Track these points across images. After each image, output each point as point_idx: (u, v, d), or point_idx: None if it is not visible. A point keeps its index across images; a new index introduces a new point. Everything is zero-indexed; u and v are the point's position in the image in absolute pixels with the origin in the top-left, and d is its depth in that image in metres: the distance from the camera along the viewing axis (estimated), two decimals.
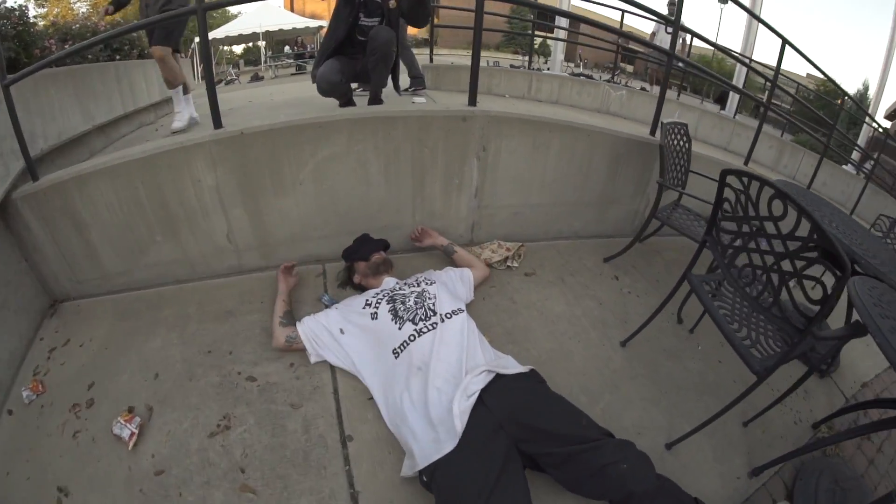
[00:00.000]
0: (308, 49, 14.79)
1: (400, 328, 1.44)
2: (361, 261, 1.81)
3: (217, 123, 1.78)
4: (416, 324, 1.44)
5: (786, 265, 1.18)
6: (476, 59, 1.96)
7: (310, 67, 5.88)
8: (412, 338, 1.40)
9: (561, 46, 7.97)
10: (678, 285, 1.59)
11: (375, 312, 1.51)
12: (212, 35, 13.04)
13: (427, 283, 1.63)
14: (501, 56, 15.76)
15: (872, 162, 5.20)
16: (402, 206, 2.06)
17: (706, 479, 1.37)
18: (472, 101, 2.01)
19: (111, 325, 1.71)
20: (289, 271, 1.82)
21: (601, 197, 2.42)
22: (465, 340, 1.41)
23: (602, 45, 7.13)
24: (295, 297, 1.83)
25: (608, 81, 6.30)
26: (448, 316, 1.48)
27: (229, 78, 12.26)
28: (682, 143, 2.09)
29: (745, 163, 3.26)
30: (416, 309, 1.49)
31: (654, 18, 5.38)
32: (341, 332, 1.53)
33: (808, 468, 1.45)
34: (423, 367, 1.34)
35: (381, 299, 1.55)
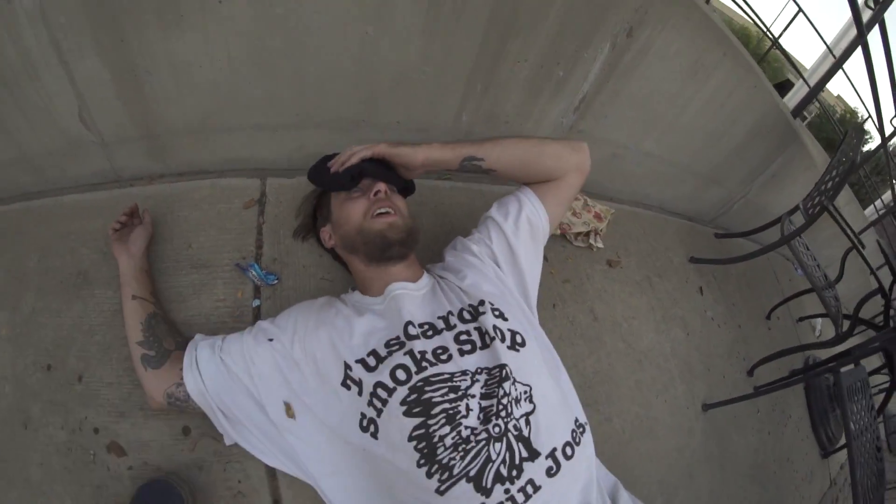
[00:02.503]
0: None
1: (442, 487, 0.57)
2: (340, 188, 0.80)
3: None
4: (489, 487, 0.57)
5: None
6: None
7: None
8: None
9: None
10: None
11: (373, 424, 0.63)
12: None
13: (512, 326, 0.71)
14: None
15: None
16: (445, 87, 1.07)
17: None
18: None
19: None
20: (131, 221, 0.84)
21: (713, 171, 1.69)
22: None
23: None
24: (189, 252, 0.89)
25: None
26: (566, 453, 0.63)
27: None
28: None
29: None
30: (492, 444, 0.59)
31: None
32: (286, 413, 0.67)
33: None
34: None
35: (393, 390, 0.63)
